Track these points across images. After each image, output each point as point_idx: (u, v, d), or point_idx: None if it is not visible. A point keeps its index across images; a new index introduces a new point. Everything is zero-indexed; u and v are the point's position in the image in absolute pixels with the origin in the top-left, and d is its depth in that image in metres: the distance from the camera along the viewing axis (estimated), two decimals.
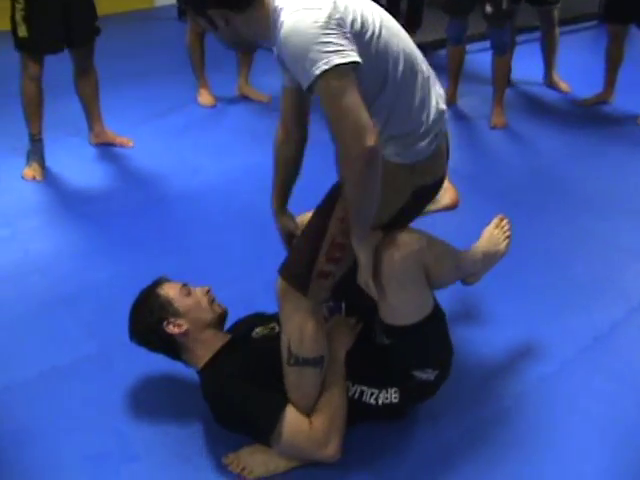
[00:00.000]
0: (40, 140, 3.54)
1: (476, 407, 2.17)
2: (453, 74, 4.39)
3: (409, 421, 2.10)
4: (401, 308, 1.90)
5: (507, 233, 2.29)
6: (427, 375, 2.00)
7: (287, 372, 1.93)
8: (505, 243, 2.27)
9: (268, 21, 1.67)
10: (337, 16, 1.58)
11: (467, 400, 2.18)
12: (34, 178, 3.50)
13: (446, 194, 2.29)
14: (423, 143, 1.77)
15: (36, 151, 3.54)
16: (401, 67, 1.71)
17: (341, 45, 1.55)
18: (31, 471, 1.95)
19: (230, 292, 2.27)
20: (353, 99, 1.55)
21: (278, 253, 2.05)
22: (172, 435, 2.07)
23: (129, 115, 4.28)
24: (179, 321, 2.04)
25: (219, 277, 2.50)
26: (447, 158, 1.94)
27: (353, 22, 1.61)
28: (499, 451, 2.02)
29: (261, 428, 1.92)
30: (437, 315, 1.99)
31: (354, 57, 1.56)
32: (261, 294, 2.38)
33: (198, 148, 3.90)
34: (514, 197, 3.33)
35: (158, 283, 2.13)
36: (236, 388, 1.94)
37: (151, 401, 2.20)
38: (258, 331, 2.14)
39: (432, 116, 1.79)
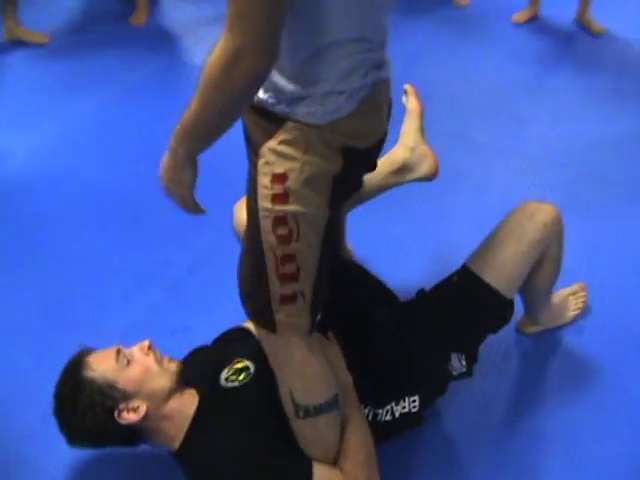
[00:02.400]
0: None
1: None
2: None
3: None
4: (502, 265, 1.70)
5: (580, 305, 2.12)
6: (460, 366, 1.69)
7: (298, 427, 1.51)
8: (574, 313, 2.10)
9: None
10: None
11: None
12: None
13: (425, 162, 1.88)
14: (340, 99, 1.29)
15: None
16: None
17: None
18: None
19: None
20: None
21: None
22: None
23: None
24: (132, 404, 1.51)
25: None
26: (386, 119, 1.48)
27: None
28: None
29: None
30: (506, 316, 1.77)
31: None
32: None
33: None
34: None
35: (80, 361, 1.56)
36: (242, 465, 1.49)
37: None
38: (226, 377, 1.65)
39: (349, 69, 1.29)
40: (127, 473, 1.75)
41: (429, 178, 1.93)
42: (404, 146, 1.90)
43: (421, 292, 1.81)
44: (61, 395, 1.54)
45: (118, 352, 1.57)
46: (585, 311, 2.13)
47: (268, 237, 1.34)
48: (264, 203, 1.32)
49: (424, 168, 1.90)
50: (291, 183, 1.30)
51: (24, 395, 1.89)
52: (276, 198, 1.31)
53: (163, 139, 1.36)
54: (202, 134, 1.27)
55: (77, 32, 3.85)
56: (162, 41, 3.78)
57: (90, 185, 2.68)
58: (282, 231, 1.33)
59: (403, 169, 1.89)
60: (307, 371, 1.45)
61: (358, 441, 1.56)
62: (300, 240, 1.33)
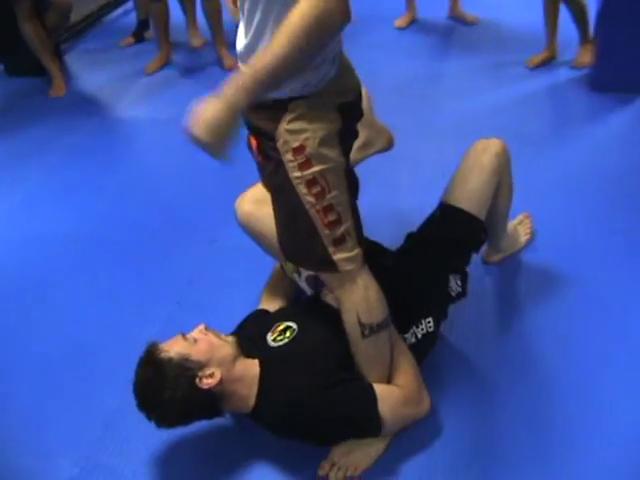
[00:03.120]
0: None
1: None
2: None
3: None
4: (471, 194, 2.08)
5: (529, 230, 2.55)
6: (456, 286, 2.04)
7: (362, 347, 1.81)
8: (526, 237, 2.54)
9: None
10: None
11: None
12: None
13: (381, 136, 2.23)
14: (326, 66, 1.60)
15: None
16: None
17: None
18: None
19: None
20: None
21: None
22: None
23: None
24: (208, 371, 1.76)
25: None
26: (353, 73, 1.79)
27: None
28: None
29: (367, 424, 1.79)
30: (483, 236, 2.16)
31: None
32: None
33: None
34: None
35: (154, 349, 1.80)
36: (316, 401, 1.77)
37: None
38: (273, 339, 1.94)
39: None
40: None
41: (387, 149, 2.29)
42: (362, 125, 2.26)
43: (410, 235, 2.16)
44: (145, 380, 1.75)
45: (183, 335, 1.83)
46: (534, 234, 2.54)
47: (307, 198, 1.64)
48: (294, 173, 1.62)
49: (382, 141, 2.27)
50: (309, 150, 1.61)
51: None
52: (302, 166, 1.62)
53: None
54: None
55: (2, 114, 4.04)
56: (87, 104, 4.01)
57: (73, 233, 2.87)
58: (316, 189, 1.63)
59: (366, 144, 2.24)
60: (369, 294, 1.75)
61: (406, 360, 1.89)
62: (332, 191, 1.64)
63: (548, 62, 3.91)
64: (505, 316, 2.27)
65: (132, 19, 4.99)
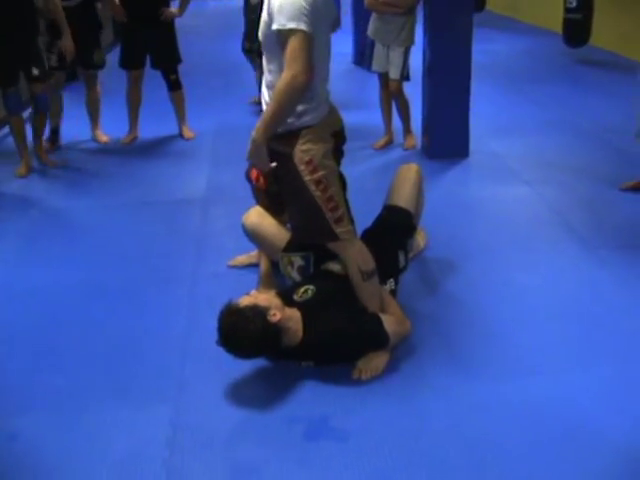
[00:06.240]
0: None
1: None
2: None
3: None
4: (404, 196, 3.16)
5: (424, 236, 3.61)
6: (402, 260, 3.06)
7: (363, 288, 2.76)
8: (424, 242, 3.60)
9: None
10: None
11: None
12: None
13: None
14: (322, 106, 2.68)
15: None
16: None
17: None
18: None
19: None
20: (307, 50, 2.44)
21: None
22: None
23: None
24: (272, 312, 2.58)
25: None
26: (337, 112, 2.86)
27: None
28: None
29: (379, 339, 2.71)
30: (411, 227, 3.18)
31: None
32: None
33: None
34: None
35: (231, 304, 2.58)
36: (345, 331, 2.67)
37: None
38: (299, 297, 2.79)
39: (321, 87, 2.71)
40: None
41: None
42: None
43: (366, 230, 3.13)
44: (231, 322, 2.53)
45: (247, 294, 2.64)
46: (429, 238, 3.65)
47: (315, 193, 2.63)
48: (307, 177, 2.62)
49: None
50: (316, 161, 2.62)
51: None
52: (311, 172, 2.62)
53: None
54: (276, 126, 2.56)
55: None
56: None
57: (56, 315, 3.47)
58: (321, 186, 2.63)
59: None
60: (363, 250, 2.76)
61: (389, 297, 2.90)
62: (331, 187, 2.65)
63: (388, 145, 5.23)
64: (423, 286, 3.36)
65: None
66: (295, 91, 2.46)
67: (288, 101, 2.49)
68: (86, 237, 4.00)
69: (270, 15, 2.49)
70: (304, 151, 2.61)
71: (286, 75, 2.44)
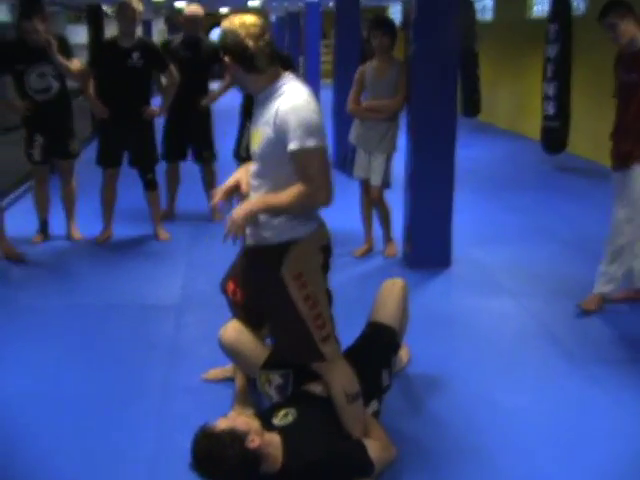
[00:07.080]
0: None
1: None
2: None
3: None
4: (389, 313, 3.04)
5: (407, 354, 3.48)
6: (387, 379, 2.91)
7: (348, 411, 2.61)
8: (407, 358, 3.45)
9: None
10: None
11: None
12: None
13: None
14: (312, 221, 2.58)
15: None
16: None
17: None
18: None
19: None
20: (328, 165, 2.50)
21: None
22: None
23: None
24: (250, 437, 2.40)
25: None
26: (326, 227, 2.76)
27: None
28: None
29: (364, 468, 2.54)
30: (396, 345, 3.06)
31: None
32: None
33: None
34: None
35: (207, 427, 2.41)
36: (326, 460, 2.51)
37: None
38: (278, 421, 2.62)
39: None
40: None
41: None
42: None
43: (349, 348, 2.99)
44: (206, 448, 2.35)
45: (224, 416, 2.46)
46: (411, 353, 3.51)
47: (304, 309, 2.51)
48: (295, 293, 2.50)
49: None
50: (305, 276, 2.52)
51: None
52: (301, 287, 2.51)
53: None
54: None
55: None
56: None
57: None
58: (309, 302, 2.52)
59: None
60: (348, 372, 2.61)
61: (373, 421, 2.74)
62: (320, 304, 2.54)
63: (369, 252, 5.15)
64: (407, 405, 3.20)
65: None
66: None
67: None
68: (54, 341, 3.81)
69: (278, 132, 2.41)
70: (293, 264, 2.50)
71: (309, 186, 2.41)
